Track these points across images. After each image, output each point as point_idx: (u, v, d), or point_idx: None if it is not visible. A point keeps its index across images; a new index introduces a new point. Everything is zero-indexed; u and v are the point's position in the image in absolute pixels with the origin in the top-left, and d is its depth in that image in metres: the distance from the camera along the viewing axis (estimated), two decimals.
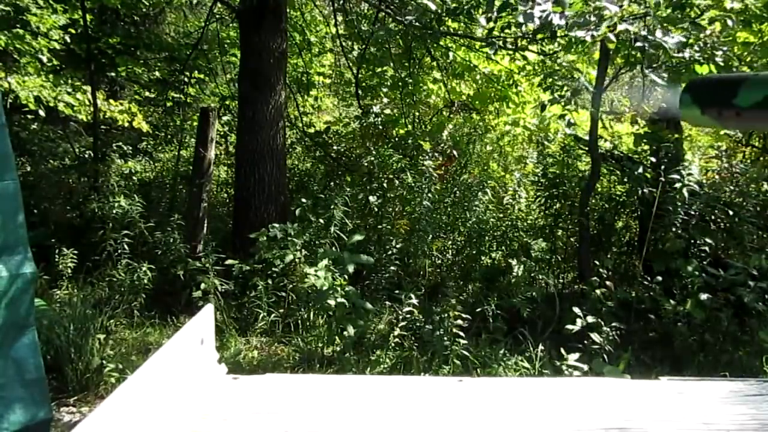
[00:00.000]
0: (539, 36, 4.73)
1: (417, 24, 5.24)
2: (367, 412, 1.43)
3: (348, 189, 5.67)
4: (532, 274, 5.27)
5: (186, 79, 7.79)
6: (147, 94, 8.52)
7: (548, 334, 4.36)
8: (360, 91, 7.31)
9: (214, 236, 5.69)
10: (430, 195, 5.57)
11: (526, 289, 4.81)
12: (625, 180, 5.28)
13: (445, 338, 3.96)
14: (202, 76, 8.10)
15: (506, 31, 5.07)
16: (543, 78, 5.16)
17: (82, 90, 6.95)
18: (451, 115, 7.98)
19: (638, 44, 3.84)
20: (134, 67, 7.62)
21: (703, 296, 4.20)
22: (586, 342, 3.92)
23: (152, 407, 1.56)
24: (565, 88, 4.74)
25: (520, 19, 3.76)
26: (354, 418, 1.42)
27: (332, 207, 5.01)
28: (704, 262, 4.55)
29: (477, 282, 5.38)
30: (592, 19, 3.72)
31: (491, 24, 4.87)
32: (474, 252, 5.62)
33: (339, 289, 4.08)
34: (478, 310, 4.40)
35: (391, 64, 7.03)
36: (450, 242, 5.95)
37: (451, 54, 6.75)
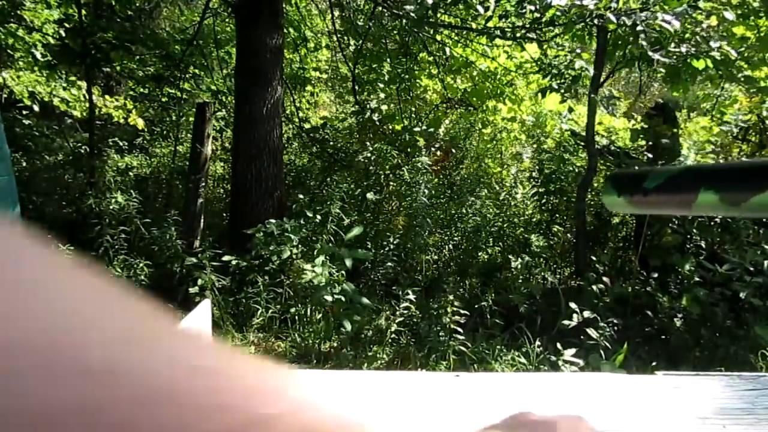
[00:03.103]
0: (539, 25, 4.71)
1: (413, 16, 5.22)
2: (365, 407, 1.44)
3: (345, 185, 5.66)
4: (531, 270, 5.28)
5: (181, 75, 7.76)
6: (141, 90, 8.48)
7: (553, 329, 4.37)
8: (357, 87, 7.29)
9: (211, 232, 5.68)
10: (426, 191, 5.57)
11: (524, 284, 4.81)
12: None
13: (442, 334, 3.96)
14: (197, 71, 8.06)
15: (504, 21, 5.05)
16: (542, 67, 5.14)
17: (77, 86, 6.91)
18: (448, 111, 7.97)
19: (638, 29, 3.82)
20: (129, 62, 7.58)
21: (700, 291, 4.21)
22: (582, 337, 3.93)
23: None
24: (565, 76, 4.72)
25: None
26: (351, 413, 1.42)
27: (329, 203, 5.00)
28: (700, 258, 4.57)
29: (474, 277, 5.39)
30: None
31: (488, 13, 4.85)
32: (471, 247, 5.63)
33: (336, 284, 4.08)
34: (476, 306, 4.41)
35: (388, 60, 7.02)
36: (447, 238, 5.96)
37: (447, 50, 6.74)
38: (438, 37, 6.51)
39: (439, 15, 5.55)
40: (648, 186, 0.36)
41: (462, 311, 4.01)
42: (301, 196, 5.19)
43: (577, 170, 5.64)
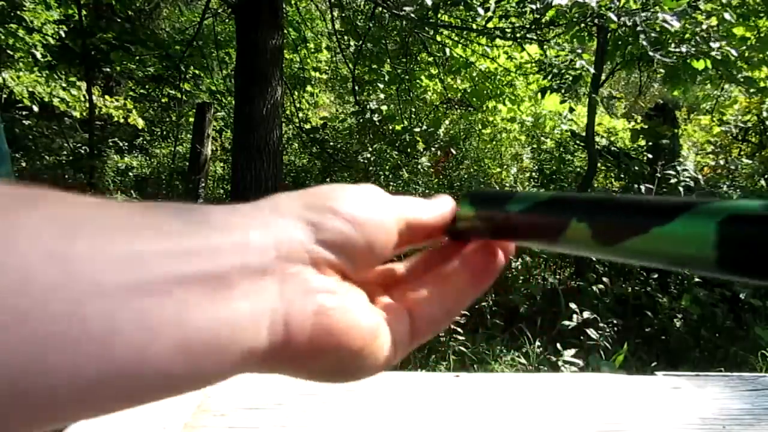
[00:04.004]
0: (539, 25, 4.72)
1: (413, 16, 5.22)
2: (364, 408, 1.43)
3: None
4: (531, 270, 5.28)
5: (180, 75, 7.76)
6: (141, 90, 8.48)
7: (553, 330, 4.37)
8: (357, 87, 7.30)
9: None
10: (425, 192, 5.57)
11: (524, 285, 4.81)
12: (622, 176, 5.29)
13: (442, 334, 3.96)
14: (197, 71, 8.07)
15: (504, 21, 5.06)
16: (542, 67, 5.15)
17: (77, 86, 6.91)
18: (448, 111, 7.98)
19: (639, 29, 3.83)
20: (129, 63, 7.59)
21: (699, 292, 4.21)
22: (582, 338, 3.93)
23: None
24: (566, 76, 4.73)
25: None
26: (351, 413, 1.42)
27: None
28: None
29: None
30: None
31: (489, 14, 4.86)
32: None
33: None
34: (476, 306, 4.41)
35: (388, 60, 7.02)
36: None
37: (447, 50, 6.74)
38: (438, 38, 6.51)
39: (439, 15, 5.55)
40: (510, 209, 0.32)
41: (462, 311, 4.00)
42: None
43: (577, 170, 5.64)
